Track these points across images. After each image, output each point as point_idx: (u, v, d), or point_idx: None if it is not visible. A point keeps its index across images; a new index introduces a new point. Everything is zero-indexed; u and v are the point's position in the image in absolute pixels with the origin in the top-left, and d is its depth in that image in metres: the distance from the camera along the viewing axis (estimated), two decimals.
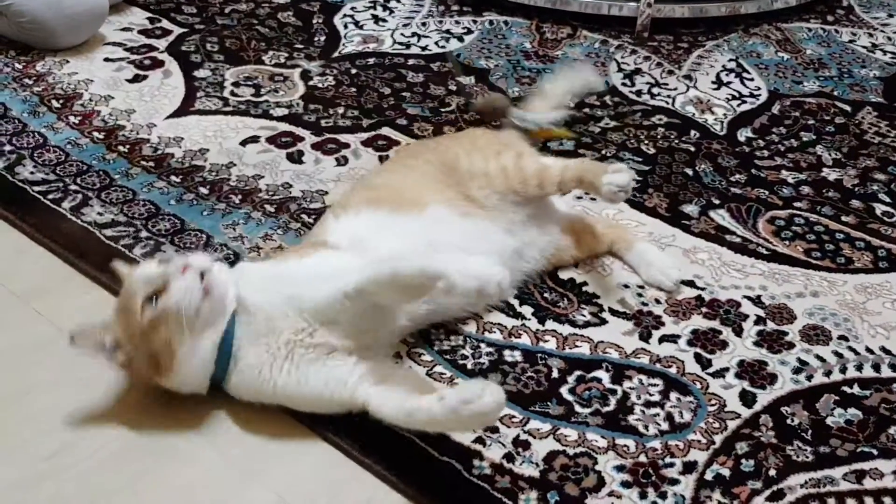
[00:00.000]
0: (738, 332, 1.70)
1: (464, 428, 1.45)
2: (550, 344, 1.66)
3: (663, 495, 1.41)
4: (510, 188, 1.71)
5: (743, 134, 2.28)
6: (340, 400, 1.45)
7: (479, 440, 1.47)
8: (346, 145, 2.14)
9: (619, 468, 1.44)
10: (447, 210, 1.66)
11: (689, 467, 1.45)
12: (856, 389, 1.60)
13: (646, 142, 2.22)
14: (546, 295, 1.75)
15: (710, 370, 1.62)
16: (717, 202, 2.02)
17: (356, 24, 2.67)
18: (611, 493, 1.40)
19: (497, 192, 1.71)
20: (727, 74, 2.52)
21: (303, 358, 1.45)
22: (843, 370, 1.63)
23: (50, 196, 1.91)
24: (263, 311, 1.47)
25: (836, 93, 2.46)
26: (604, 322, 1.71)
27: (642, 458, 1.46)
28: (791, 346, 1.68)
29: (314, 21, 2.67)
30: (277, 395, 1.46)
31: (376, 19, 2.70)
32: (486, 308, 1.70)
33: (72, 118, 2.16)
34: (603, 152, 2.16)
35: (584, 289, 1.78)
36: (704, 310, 1.74)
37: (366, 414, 1.50)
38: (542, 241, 1.76)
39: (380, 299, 1.45)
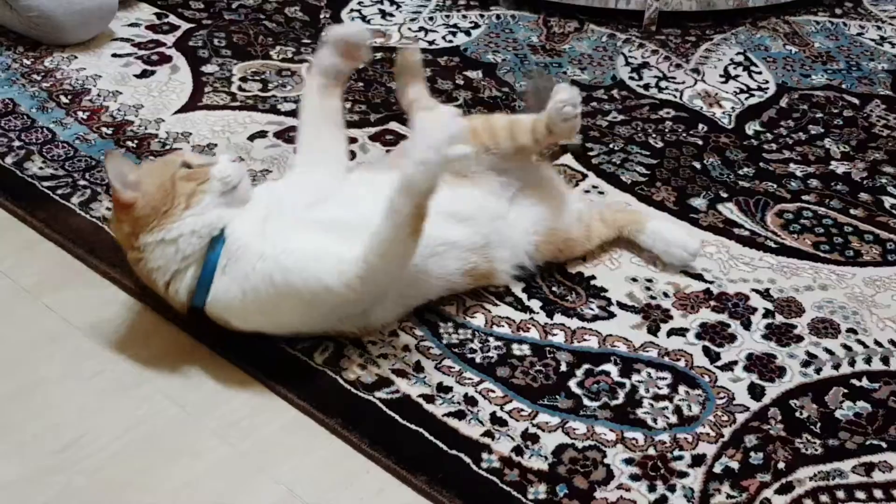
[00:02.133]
0: (747, 325, 1.70)
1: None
2: (559, 338, 1.66)
3: (672, 488, 1.41)
4: (483, 147, 1.69)
5: (751, 127, 2.27)
6: (328, 275, 1.47)
7: (488, 434, 1.47)
8: (354, 140, 2.14)
9: (628, 461, 1.45)
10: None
11: (697, 460, 1.45)
12: (865, 382, 1.60)
13: (653, 135, 2.22)
14: (554, 289, 1.75)
15: (719, 363, 1.62)
16: (725, 195, 2.02)
17: (363, 18, 2.67)
18: (620, 486, 1.41)
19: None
20: (735, 68, 2.52)
21: (287, 227, 1.53)
22: (852, 363, 1.63)
23: (59, 191, 1.92)
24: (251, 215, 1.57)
25: (844, 86, 2.45)
26: (612, 316, 1.71)
27: (651, 451, 1.46)
28: (800, 339, 1.68)
29: (321, 16, 2.67)
30: (259, 282, 1.49)
31: (383, 14, 2.69)
32: (494, 301, 1.71)
33: (80, 114, 2.17)
34: (611, 146, 2.16)
35: (592, 282, 1.78)
36: (713, 303, 1.74)
37: (377, 408, 1.50)
38: (530, 219, 1.73)
39: None
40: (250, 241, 1.52)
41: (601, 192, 1.99)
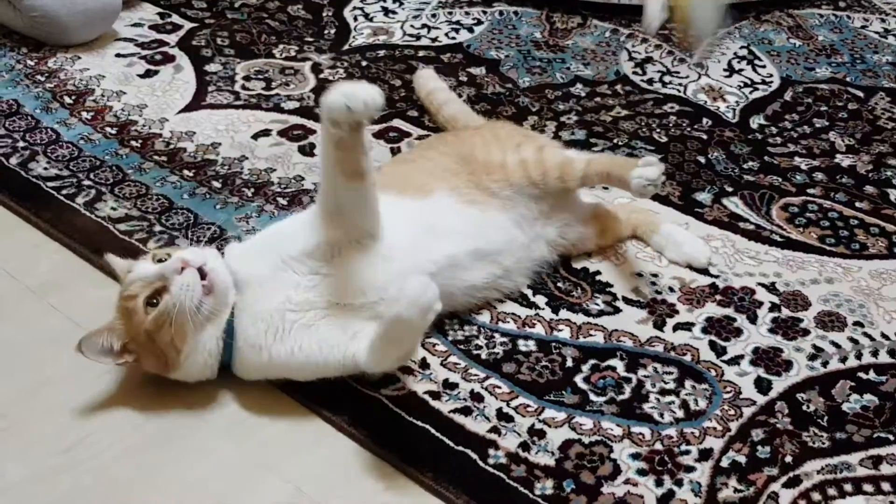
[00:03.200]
0: (753, 319, 1.70)
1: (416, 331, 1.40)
2: (564, 333, 1.66)
3: (679, 483, 1.41)
4: (529, 181, 1.69)
5: (755, 121, 2.27)
6: (335, 363, 1.47)
7: (495, 430, 1.47)
8: None
9: (635, 456, 1.44)
10: (453, 197, 1.65)
11: (704, 454, 1.45)
12: (871, 375, 1.59)
13: (658, 130, 2.21)
14: (560, 284, 1.75)
15: (725, 357, 1.62)
16: (730, 189, 2.02)
17: (366, 16, 2.67)
18: (627, 481, 1.41)
19: (513, 184, 1.69)
20: (739, 62, 2.51)
21: (295, 325, 1.47)
22: (859, 356, 1.63)
23: (64, 191, 1.92)
24: (254, 277, 1.50)
25: (848, 79, 2.45)
26: (618, 311, 1.71)
27: (658, 446, 1.46)
28: (806, 332, 1.67)
29: (324, 14, 2.67)
30: (275, 366, 1.48)
31: (386, 11, 2.69)
32: (500, 298, 1.70)
33: (84, 114, 2.17)
34: (615, 141, 2.16)
35: (597, 278, 1.77)
36: (718, 297, 1.74)
37: (383, 405, 1.50)
38: (553, 234, 1.75)
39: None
40: (257, 336, 1.47)
41: (605, 188, 1.98)
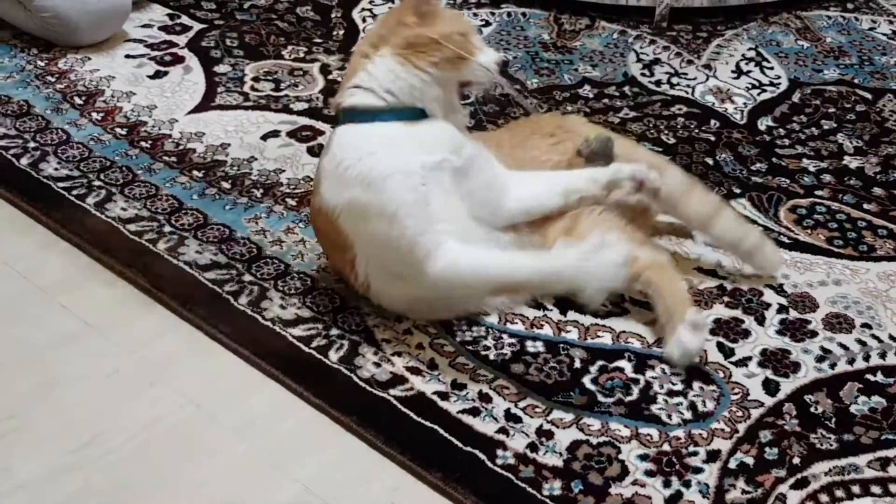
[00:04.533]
0: (761, 320, 1.70)
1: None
2: (572, 334, 1.66)
3: (687, 484, 1.41)
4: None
5: (763, 123, 2.27)
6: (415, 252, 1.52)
7: (503, 430, 1.48)
8: None
9: (643, 457, 1.45)
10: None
11: (712, 456, 1.45)
12: (879, 377, 1.60)
13: (666, 132, 2.22)
14: None
15: (733, 359, 1.62)
16: (737, 191, 2.02)
17: (374, 17, 2.67)
18: (635, 482, 1.41)
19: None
20: (747, 63, 2.51)
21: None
22: (867, 358, 1.63)
23: (74, 192, 1.93)
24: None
25: (856, 80, 2.45)
26: (625, 312, 1.71)
27: (666, 447, 1.46)
28: (814, 334, 1.67)
29: (333, 15, 2.67)
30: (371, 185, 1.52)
31: None
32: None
33: (94, 115, 2.18)
34: None
35: None
36: (727, 299, 1.74)
37: (392, 405, 1.51)
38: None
39: None
40: (412, 154, 1.54)
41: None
